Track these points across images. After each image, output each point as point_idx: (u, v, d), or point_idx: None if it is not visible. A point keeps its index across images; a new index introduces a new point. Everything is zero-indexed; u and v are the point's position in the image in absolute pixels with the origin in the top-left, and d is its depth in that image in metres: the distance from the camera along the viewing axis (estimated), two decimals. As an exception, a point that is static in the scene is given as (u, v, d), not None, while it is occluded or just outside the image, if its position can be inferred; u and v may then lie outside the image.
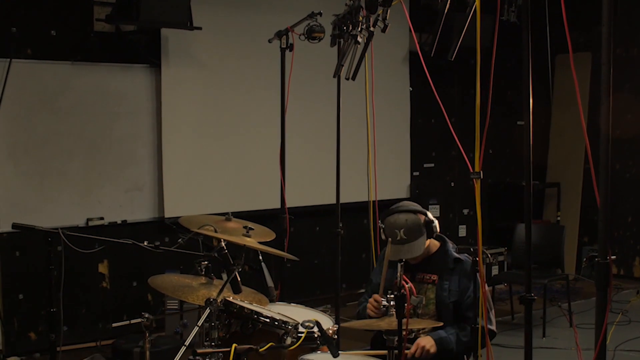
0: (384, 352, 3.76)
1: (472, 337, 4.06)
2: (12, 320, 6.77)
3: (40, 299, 6.78)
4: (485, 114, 3.54)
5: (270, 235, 4.57)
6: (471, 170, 3.68)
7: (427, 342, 4.13)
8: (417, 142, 9.53)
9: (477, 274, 3.97)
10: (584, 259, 10.12)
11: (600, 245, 3.01)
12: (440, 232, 4.45)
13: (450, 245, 4.50)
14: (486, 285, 3.99)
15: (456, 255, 4.41)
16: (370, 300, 4.32)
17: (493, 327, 4.19)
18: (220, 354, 3.56)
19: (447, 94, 9.42)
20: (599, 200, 2.99)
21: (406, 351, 3.90)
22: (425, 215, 4.33)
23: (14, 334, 6.77)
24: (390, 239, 4.30)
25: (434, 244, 4.48)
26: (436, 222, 4.35)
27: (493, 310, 4.31)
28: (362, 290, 4.68)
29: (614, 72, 3.05)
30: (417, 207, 4.38)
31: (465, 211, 10.13)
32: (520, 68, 3.60)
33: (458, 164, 9.86)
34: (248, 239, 4.22)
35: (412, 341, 4.27)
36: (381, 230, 4.38)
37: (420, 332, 4.39)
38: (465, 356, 4.35)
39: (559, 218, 10.40)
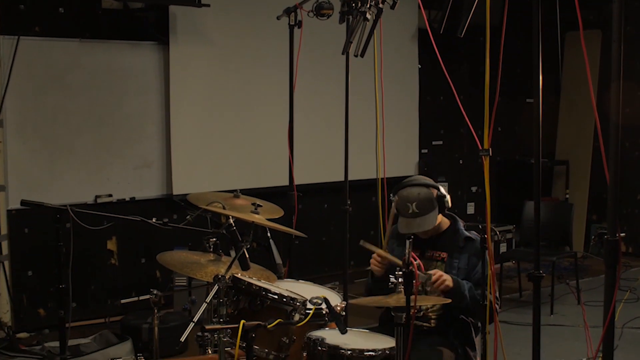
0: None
1: (481, 299, 4.07)
2: (21, 297, 6.80)
3: (49, 276, 6.81)
4: (494, 91, 3.53)
5: (279, 213, 4.57)
6: (480, 148, 3.67)
7: (446, 275, 4.12)
8: (426, 119, 9.51)
9: (486, 252, 3.97)
10: (593, 237, 10.12)
11: (609, 222, 3.01)
12: (450, 211, 4.44)
13: (461, 223, 4.49)
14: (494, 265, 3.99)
15: (467, 233, 4.40)
16: (374, 255, 4.32)
17: (498, 304, 4.18)
18: (229, 330, 3.57)
19: (456, 71, 9.38)
20: (608, 178, 2.98)
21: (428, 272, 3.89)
22: (438, 189, 4.31)
23: (23, 310, 6.81)
24: (401, 212, 4.30)
25: (444, 221, 4.47)
26: (448, 197, 4.34)
27: (497, 291, 4.30)
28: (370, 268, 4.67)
29: (624, 50, 3.03)
30: (430, 181, 4.36)
31: (474, 189, 10.12)
32: (530, 45, 3.59)
33: (467, 142, 9.85)
34: (256, 215, 4.22)
35: (420, 319, 4.27)
36: (392, 204, 4.38)
37: (429, 309, 4.39)
38: (473, 334, 4.36)
39: (567, 196, 10.39)
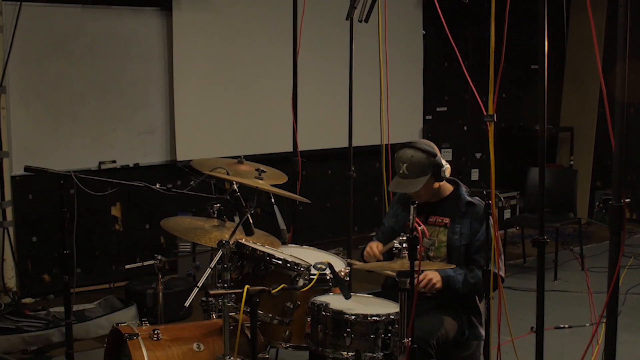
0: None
1: (481, 280, 4.07)
2: (26, 263, 6.83)
3: (54, 242, 6.83)
4: (499, 57, 3.51)
5: (283, 178, 4.56)
6: (485, 114, 3.66)
7: (434, 276, 4.13)
8: (430, 85, 9.47)
9: (489, 218, 3.96)
10: (597, 203, 10.12)
11: (614, 188, 3.00)
12: (452, 176, 4.42)
13: (464, 189, 4.48)
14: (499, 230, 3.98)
15: (469, 198, 4.39)
16: (371, 244, 4.35)
17: (502, 274, 4.18)
18: (233, 296, 3.58)
19: (460, 37, 9.33)
20: (613, 144, 2.97)
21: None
22: (435, 157, 4.29)
23: (28, 276, 6.83)
24: (395, 170, 4.32)
25: (447, 187, 4.46)
26: (447, 167, 4.30)
27: (503, 257, 4.30)
28: (374, 234, 4.67)
29: (630, 15, 3.00)
30: (430, 147, 4.32)
31: (478, 155, 10.11)
32: (536, 11, 3.56)
33: (471, 108, 9.81)
34: (260, 181, 4.21)
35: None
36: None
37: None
38: (477, 298, 4.36)
39: (572, 162, 10.37)
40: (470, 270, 4.24)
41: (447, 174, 4.31)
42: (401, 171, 4.28)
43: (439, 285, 4.13)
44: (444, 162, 4.31)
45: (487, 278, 3.90)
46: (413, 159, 4.25)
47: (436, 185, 4.36)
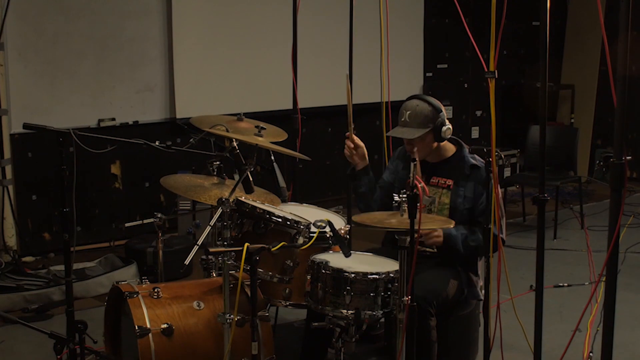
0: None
1: (481, 243, 4.06)
2: (26, 221, 6.83)
3: (54, 200, 6.83)
4: (500, 13, 3.47)
5: (283, 136, 4.54)
6: (486, 70, 3.63)
7: (438, 232, 4.12)
8: (431, 42, 9.42)
9: (491, 177, 3.94)
10: (597, 162, 10.11)
11: (615, 145, 2.98)
12: (453, 134, 4.39)
13: (467, 150, 4.45)
14: (499, 188, 3.96)
15: (473, 161, 4.36)
16: (347, 141, 4.45)
17: (503, 236, 4.16)
18: (233, 254, 3.58)
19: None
20: (615, 100, 2.95)
21: None
22: (439, 113, 4.26)
23: (29, 235, 6.84)
24: (398, 118, 4.30)
25: (449, 147, 4.42)
26: (448, 127, 4.27)
27: (504, 219, 4.29)
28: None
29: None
30: (437, 104, 4.29)
31: (478, 113, 10.08)
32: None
33: (472, 65, 9.77)
34: (260, 138, 4.19)
35: (423, 244, 4.27)
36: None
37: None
38: (477, 258, 4.36)
39: (572, 120, 10.35)
40: (471, 232, 4.22)
41: (447, 134, 4.28)
42: (403, 119, 4.25)
43: (439, 239, 4.12)
44: (447, 122, 4.28)
45: (485, 238, 3.89)
46: (417, 108, 4.23)
47: (434, 144, 4.33)
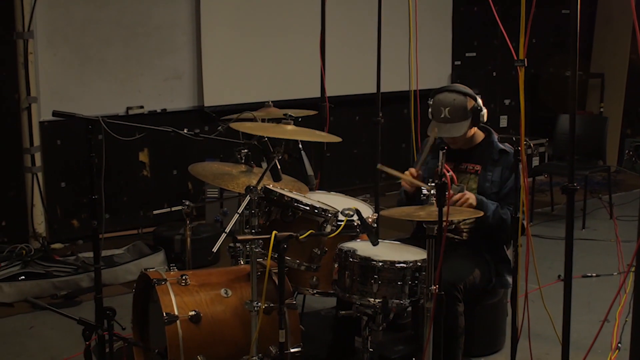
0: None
1: (509, 220, 4.04)
2: (55, 208, 6.87)
3: (82, 187, 6.87)
4: (530, 1, 3.44)
5: (311, 112, 4.53)
6: (515, 59, 3.60)
7: (469, 194, 4.10)
8: (459, 30, 9.37)
9: (519, 165, 3.92)
10: (627, 151, 10.02)
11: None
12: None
13: (495, 136, 4.44)
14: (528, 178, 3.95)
15: (501, 146, 4.36)
16: (408, 171, 4.30)
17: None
18: (260, 241, 3.58)
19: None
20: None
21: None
22: (475, 100, 4.26)
23: (57, 222, 6.88)
24: (434, 115, 4.28)
25: (479, 134, 4.42)
26: (485, 111, 4.29)
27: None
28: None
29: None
30: (469, 90, 4.30)
31: (507, 101, 10.02)
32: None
33: (500, 53, 9.70)
34: (288, 127, 4.18)
35: (452, 231, 4.25)
36: (428, 108, 4.35)
37: (461, 223, 4.38)
38: (504, 246, 4.35)
39: (602, 109, 10.26)
40: (502, 207, 4.21)
41: (485, 118, 4.28)
42: (442, 115, 4.24)
43: (472, 202, 4.09)
44: (482, 105, 4.28)
45: (515, 225, 3.88)
46: (455, 102, 4.22)
47: (472, 131, 4.33)
